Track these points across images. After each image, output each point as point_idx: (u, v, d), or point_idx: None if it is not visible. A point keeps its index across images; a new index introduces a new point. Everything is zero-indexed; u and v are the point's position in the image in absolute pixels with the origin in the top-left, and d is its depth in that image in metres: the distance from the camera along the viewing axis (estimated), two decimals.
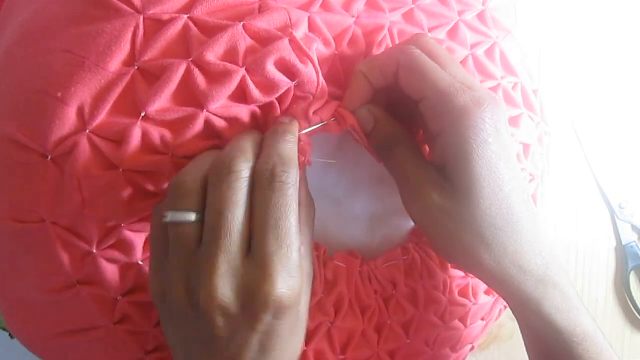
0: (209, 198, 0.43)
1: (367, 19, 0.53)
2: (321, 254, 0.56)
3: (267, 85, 0.47)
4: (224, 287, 0.42)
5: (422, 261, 0.59)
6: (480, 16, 0.60)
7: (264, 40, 0.47)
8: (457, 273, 0.61)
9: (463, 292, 0.63)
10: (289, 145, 0.46)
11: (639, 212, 0.99)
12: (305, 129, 0.49)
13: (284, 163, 0.44)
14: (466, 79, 0.49)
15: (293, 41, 0.47)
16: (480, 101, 0.47)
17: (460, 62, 0.57)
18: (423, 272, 0.60)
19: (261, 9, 0.47)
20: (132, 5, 0.45)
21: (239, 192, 0.43)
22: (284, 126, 0.48)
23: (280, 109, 0.49)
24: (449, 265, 0.60)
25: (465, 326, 0.65)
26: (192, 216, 0.43)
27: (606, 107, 0.98)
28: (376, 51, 0.53)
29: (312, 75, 0.48)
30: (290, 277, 0.43)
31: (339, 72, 0.52)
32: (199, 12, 0.46)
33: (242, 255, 0.42)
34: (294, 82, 0.48)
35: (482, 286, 0.64)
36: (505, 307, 0.71)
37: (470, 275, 0.62)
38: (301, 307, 0.46)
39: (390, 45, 0.54)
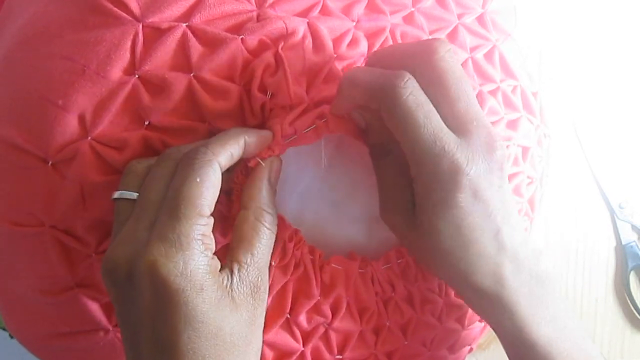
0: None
1: (367, 22, 0.53)
2: (316, 257, 0.57)
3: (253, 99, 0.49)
4: (116, 253, 0.42)
5: (417, 264, 0.60)
6: (480, 19, 0.60)
7: (257, 53, 0.48)
8: None
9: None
10: (222, 141, 0.46)
11: (639, 212, 0.99)
12: (281, 139, 0.50)
13: (207, 145, 0.45)
14: (463, 117, 0.47)
15: (277, 55, 0.48)
16: (459, 167, 0.45)
17: (461, 64, 0.57)
18: (418, 275, 0.60)
19: (259, 18, 0.48)
20: (131, 13, 0.46)
21: (163, 169, 0.45)
22: (232, 131, 0.48)
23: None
24: None
25: (463, 327, 0.65)
26: (133, 195, 0.45)
27: (606, 107, 0.98)
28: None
29: (285, 96, 0.49)
30: (174, 247, 0.41)
31: (335, 74, 0.52)
32: (198, 20, 0.47)
33: (148, 226, 0.43)
34: (268, 96, 0.49)
35: None
36: None
37: None
38: (199, 288, 0.43)
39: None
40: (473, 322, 0.66)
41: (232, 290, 0.44)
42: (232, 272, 0.45)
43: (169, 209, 0.42)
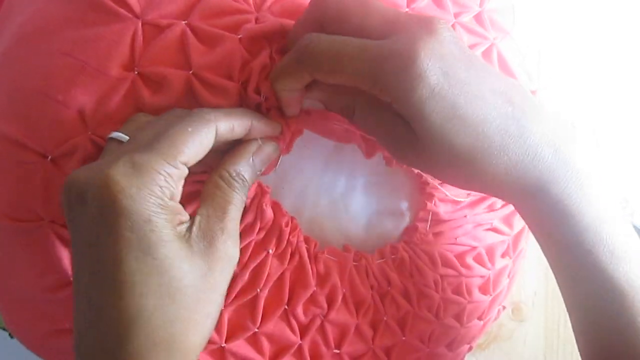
0: None
1: None
2: (311, 247, 0.57)
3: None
4: (77, 175, 0.42)
5: (411, 260, 0.60)
6: (478, 18, 0.60)
7: (255, 52, 0.49)
8: (448, 272, 0.62)
9: (457, 290, 0.63)
10: (228, 112, 0.47)
11: (639, 212, 0.98)
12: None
13: (212, 109, 0.46)
14: (385, 22, 0.44)
15: (271, 56, 0.49)
16: (408, 57, 0.42)
17: None
18: (413, 271, 0.61)
19: (258, 21, 0.49)
20: (131, 10, 0.46)
21: (161, 120, 0.45)
22: (242, 109, 0.49)
23: None
24: (440, 264, 0.61)
25: (461, 325, 0.65)
26: (125, 138, 0.45)
27: (606, 107, 0.98)
28: None
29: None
30: (136, 171, 0.40)
31: None
32: (197, 18, 0.47)
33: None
34: (262, 98, 0.49)
35: (477, 284, 0.65)
36: (504, 307, 0.71)
37: (463, 274, 0.62)
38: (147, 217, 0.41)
39: None
40: (472, 319, 0.66)
41: (190, 239, 0.43)
42: (192, 224, 0.44)
43: (148, 143, 0.42)
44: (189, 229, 0.43)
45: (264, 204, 0.54)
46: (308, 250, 0.56)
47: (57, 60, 0.46)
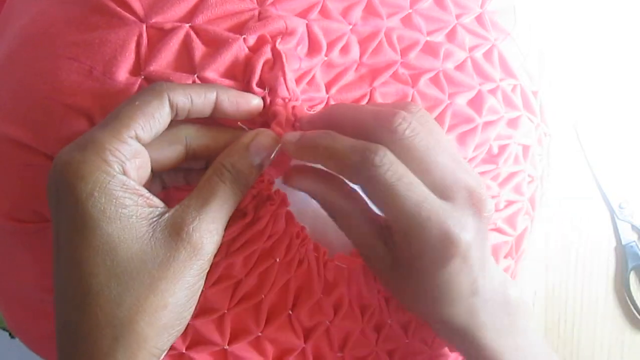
0: None
1: (363, 26, 0.54)
2: (321, 255, 0.57)
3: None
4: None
5: None
6: (479, 19, 0.61)
7: (258, 49, 0.49)
8: None
9: None
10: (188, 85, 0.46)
11: (639, 212, 0.99)
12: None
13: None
14: (441, 184, 0.47)
15: (274, 49, 0.49)
16: (451, 235, 0.46)
17: (459, 65, 0.58)
18: None
19: (260, 16, 0.49)
20: (135, 14, 0.47)
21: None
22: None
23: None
24: None
25: None
26: None
27: (607, 107, 0.98)
28: (369, 59, 0.54)
29: (282, 90, 0.49)
30: (80, 147, 0.41)
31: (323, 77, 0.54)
32: (200, 20, 0.47)
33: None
34: (265, 91, 0.49)
35: None
36: None
37: None
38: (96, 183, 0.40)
39: (389, 51, 0.55)
40: None
41: (155, 223, 0.42)
42: (167, 211, 0.42)
43: (102, 122, 0.42)
44: (161, 214, 0.42)
45: (279, 214, 0.53)
46: (317, 259, 0.56)
47: (63, 64, 0.46)
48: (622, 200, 0.98)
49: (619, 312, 1.01)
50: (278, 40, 0.48)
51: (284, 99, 0.49)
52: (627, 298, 1.00)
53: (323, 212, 0.58)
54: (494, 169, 0.61)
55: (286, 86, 0.48)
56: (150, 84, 0.44)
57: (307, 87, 0.53)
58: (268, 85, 0.48)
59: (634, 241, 0.99)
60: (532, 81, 0.64)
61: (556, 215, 0.96)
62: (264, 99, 0.49)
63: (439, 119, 0.57)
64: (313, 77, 0.53)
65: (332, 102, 0.54)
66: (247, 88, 0.48)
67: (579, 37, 0.94)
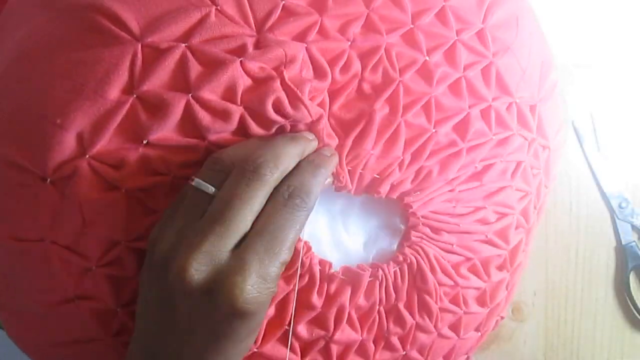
0: (227, 182, 0.45)
1: (362, 42, 0.53)
2: (325, 268, 0.57)
3: (265, 123, 0.49)
4: (198, 264, 0.43)
5: (417, 264, 0.60)
6: (480, 35, 0.60)
7: (259, 80, 0.48)
8: (445, 280, 0.62)
9: (454, 300, 0.64)
10: (318, 179, 0.48)
11: (639, 212, 0.98)
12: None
13: (306, 193, 0.47)
14: None
15: (284, 83, 0.48)
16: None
17: (452, 84, 0.58)
18: (417, 276, 0.60)
19: (258, 44, 0.48)
20: (130, 33, 0.46)
21: (252, 192, 0.45)
22: (322, 159, 0.50)
23: None
24: (438, 269, 0.61)
25: (459, 336, 0.66)
26: (210, 189, 0.46)
27: (607, 107, 0.98)
28: (370, 75, 0.54)
29: (305, 117, 0.50)
30: (264, 282, 0.44)
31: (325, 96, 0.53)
32: (197, 41, 0.47)
33: (229, 247, 0.44)
34: (288, 120, 0.49)
35: (473, 295, 0.65)
36: (502, 317, 0.72)
37: (460, 284, 0.63)
38: (259, 317, 0.47)
39: (389, 70, 0.54)
40: (468, 331, 0.67)
41: None
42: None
43: (267, 244, 0.45)
44: None
45: None
46: (322, 272, 0.56)
47: (56, 82, 0.46)
48: (622, 200, 0.98)
49: (619, 312, 1.01)
50: (286, 75, 0.48)
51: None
52: (627, 298, 1.00)
53: (318, 231, 0.59)
54: (478, 185, 0.61)
55: (309, 112, 0.50)
56: (300, 193, 0.47)
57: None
58: (287, 115, 0.49)
59: (634, 241, 0.99)
60: (531, 95, 0.64)
61: (556, 215, 0.96)
62: (283, 127, 0.50)
63: (421, 149, 0.57)
64: (323, 98, 0.53)
65: (330, 120, 0.54)
66: (263, 115, 0.48)
67: (580, 39, 0.95)
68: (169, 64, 0.46)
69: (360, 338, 0.59)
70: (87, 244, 0.49)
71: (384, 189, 0.58)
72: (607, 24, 0.97)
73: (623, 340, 1.01)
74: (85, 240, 0.48)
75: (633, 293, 1.00)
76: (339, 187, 0.57)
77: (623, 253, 1.00)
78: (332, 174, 0.54)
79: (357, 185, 0.57)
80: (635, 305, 1.00)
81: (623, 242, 0.99)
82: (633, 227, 0.99)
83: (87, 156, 0.46)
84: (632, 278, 1.00)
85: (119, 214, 0.48)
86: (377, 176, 0.57)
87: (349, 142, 0.55)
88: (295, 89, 0.48)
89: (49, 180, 0.47)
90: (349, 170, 0.56)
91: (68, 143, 0.46)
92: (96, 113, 0.46)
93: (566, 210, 0.98)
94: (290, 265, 0.54)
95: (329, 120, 0.54)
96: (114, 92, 0.46)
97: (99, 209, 0.47)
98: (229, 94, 0.47)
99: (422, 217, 0.60)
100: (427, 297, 0.61)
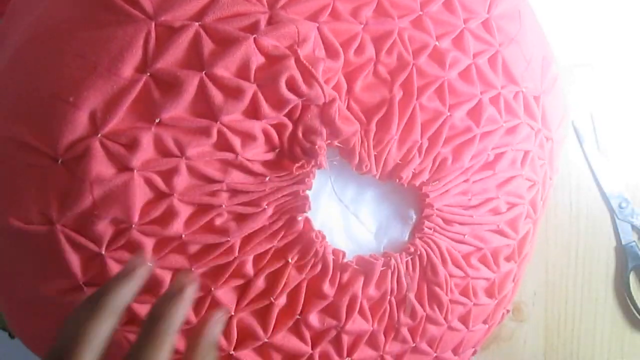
0: None
1: (375, 25, 0.53)
2: (339, 258, 0.56)
3: (277, 102, 0.49)
4: None
5: (427, 256, 0.60)
6: (485, 24, 0.61)
7: (272, 58, 0.48)
8: (456, 272, 0.62)
9: (464, 292, 0.63)
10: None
11: (639, 212, 0.99)
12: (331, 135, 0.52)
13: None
14: None
15: (298, 61, 0.48)
16: None
17: (463, 71, 0.58)
18: (427, 268, 0.60)
19: (271, 20, 0.48)
20: (143, 11, 0.46)
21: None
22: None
23: (291, 122, 0.51)
24: (449, 261, 0.61)
25: (468, 328, 0.65)
26: None
27: (607, 107, 0.98)
28: (385, 58, 0.54)
29: (319, 97, 0.49)
30: None
31: (341, 78, 0.53)
32: (210, 19, 0.47)
33: None
34: (302, 99, 0.49)
35: (482, 286, 0.65)
36: (508, 311, 0.72)
37: (470, 275, 0.62)
38: None
39: (404, 53, 0.55)
40: (477, 323, 0.66)
41: None
42: None
43: None
44: None
45: (297, 217, 0.53)
46: (335, 261, 0.56)
47: (69, 61, 0.46)
48: (622, 200, 0.98)
49: (619, 312, 1.01)
50: (300, 53, 0.48)
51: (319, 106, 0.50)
52: (627, 298, 1.00)
53: (330, 221, 0.59)
54: (491, 175, 0.61)
55: (323, 92, 0.49)
56: None
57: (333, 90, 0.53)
58: (301, 94, 0.49)
59: (634, 241, 0.99)
60: (535, 86, 0.64)
61: (556, 215, 0.96)
62: (296, 105, 0.50)
63: (438, 133, 0.57)
64: (338, 80, 0.53)
65: (352, 103, 0.54)
66: (276, 93, 0.48)
67: (581, 37, 0.96)
68: (183, 42, 0.46)
69: (372, 329, 0.59)
70: (97, 227, 0.47)
71: (406, 174, 0.58)
72: (607, 23, 0.98)
73: (623, 340, 1.01)
74: (95, 223, 0.47)
75: (633, 293, 1.00)
76: (364, 172, 0.56)
77: (623, 253, 1.00)
78: (359, 158, 0.54)
79: (382, 171, 0.57)
80: (635, 305, 1.00)
81: (623, 242, 0.99)
82: (633, 227, 0.99)
83: (100, 135, 0.45)
84: (632, 278, 1.00)
85: (131, 196, 0.47)
86: (400, 162, 0.57)
87: (373, 126, 0.55)
88: (310, 67, 0.48)
89: (60, 160, 0.46)
90: (375, 156, 0.56)
91: (80, 121, 0.45)
92: (109, 91, 0.45)
93: (566, 210, 0.98)
94: (304, 254, 0.54)
95: (351, 103, 0.54)
96: (127, 70, 0.45)
97: (110, 190, 0.46)
98: (243, 71, 0.47)
99: (437, 209, 0.60)
100: (438, 289, 0.61)
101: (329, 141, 0.52)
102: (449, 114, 0.57)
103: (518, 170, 0.63)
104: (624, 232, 0.99)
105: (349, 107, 0.54)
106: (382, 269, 0.57)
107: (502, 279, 0.67)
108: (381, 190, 0.61)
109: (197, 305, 0.52)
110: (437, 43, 0.57)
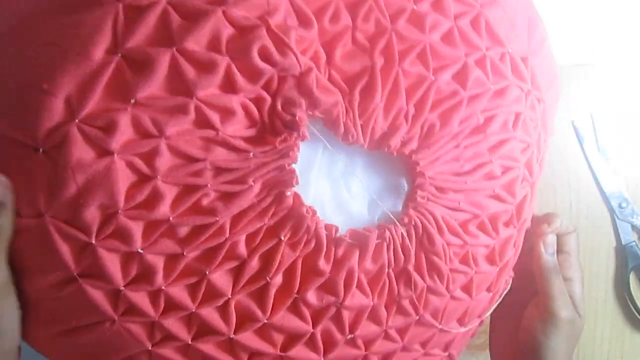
0: None
1: None
2: (332, 232, 0.56)
3: (252, 73, 0.48)
4: None
5: (423, 226, 0.59)
6: None
7: (243, 29, 0.48)
8: (454, 240, 0.61)
9: (464, 260, 0.62)
10: None
11: (639, 212, 0.99)
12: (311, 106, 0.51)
13: None
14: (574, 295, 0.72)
15: (270, 30, 0.48)
16: (573, 322, 0.71)
17: (445, 33, 0.58)
18: (423, 238, 0.59)
19: None
20: None
21: None
22: None
23: (269, 95, 0.50)
24: (445, 230, 0.60)
25: (471, 297, 0.64)
26: None
27: (607, 107, 0.99)
28: (363, 25, 0.54)
29: (294, 66, 0.49)
30: None
31: (319, 49, 0.53)
32: None
33: None
34: (276, 69, 0.49)
35: (482, 253, 0.64)
36: (511, 277, 0.71)
37: (468, 242, 0.62)
38: None
39: (381, 18, 0.54)
40: (480, 291, 0.66)
41: None
42: None
43: None
44: None
45: (286, 192, 0.53)
46: (328, 237, 0.55)
47: (41, 50, 0.46)
48: (622, 200, 0.99)
49: (619, 312, 1.02)
50: (271, 22, 0.48)
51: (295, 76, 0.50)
52: (627, 298, 1.01)
53: (323, 194, 0.58)
54: (482, 138, 0.61)
55: (297, 60, 0.49)
56: None
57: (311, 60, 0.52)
58: (275, 63, 0.49)
59: (634, 241, 1.00)
60: (522, 46, 0.64)
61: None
62: (272, 76, 0.49)
63: (424, 98, 0.57)
64: (316, 50, 0.52)
65: (333, 72, 0.53)
66: (249, 64, 0.48)
67: (579, 34, 0.98)
68: (151, 19, 0.46)
69: (372, 303, 0.58)
70: (84, 215, 0.47)
71: (394, 142, 0.57)
72: (608, 23, 0.99)
73: (623, 340, 1.02)
74: (82, 211, 0.47)
75: (633, 293, 1.01)
76: (350, 142, 0.56)
77: (623, 253, 1.01)
78: (344, 128, 0.54)
79: (370, 140, 0.57)
80: (635, 305, 1.01)
81: (623, 242, 1.00)
82: (633, 227, 1.00)
83: (77, 120, 0.45)
84: (632, 278, 1.01)
85: (114, 180, 0.47)
86: (387, 130, 0.57)
87: (357, 95, 0.54)
88: (282, 36, 0.48)
89: (41, 150, 0.46)
90: (361, 125, 0.55)
91: (57, 108, 0.45)
92: (82, 75, 0.45)
93: (566, 210, 0.98)
94: (296, 231, 0.53)
95: (332, 73, 0.53)
96: (98, 52, 0.45)
97: (92, 176, 0.46)
98: (214, 44, 0.47)
99: (429, 177, 0.59)
100: (436, 259, 0.60)
101: (309, 112, 0.52)
102: (433, 78, 0.57)
103: (510, 132, 0.63)
104: (624, 232, 1.00)
105: (330, 77, 0.53)
106: (377, 241, 0.57)
107: (502, 245, 0.66)
108: (371, 160, 0.60)
109: (193, 290, 0.52)
110: (415, 6, 0.56)
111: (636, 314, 1.00)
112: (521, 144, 0.65)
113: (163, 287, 0.51)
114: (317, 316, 0.57)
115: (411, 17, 0.56)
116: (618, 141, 0.99)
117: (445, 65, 0.58)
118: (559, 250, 0.74)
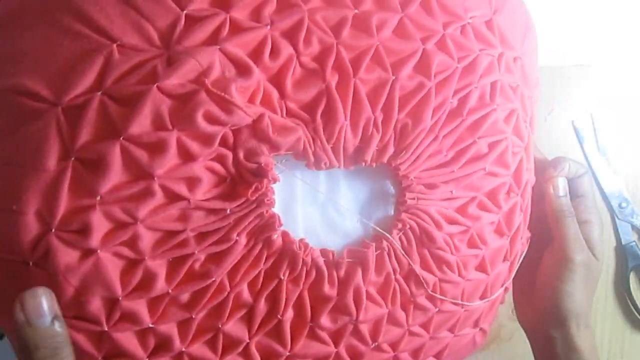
0: None
1: (282, 20, 0.51)
2: (330, 257, 0.56)
3: (204, 139, 0.48)
4: None
5: (420, 227, 0.58)
6: None
7: (182, 97, 0.47)
8: (454, 229, 0.60)
9: (471, 243, 0.62)
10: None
11: (639, 212, 0.99)
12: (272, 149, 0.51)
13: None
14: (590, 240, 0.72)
15: (209, 92, 0.47)
16: (589, 265, 0.71)
17: (395, 27, 0.56)
18: (423, 237, 0.59)
19: (170, 60, 0.47)
20: (46, 101, 0.46)
21: None
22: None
23: (229, 150, 0.50)
24: (443, 223, 0.59)
25: (487, 274, 0.64)
26: None
27: (607, 107, 0.98)
28: (305, 48, 0.52)
29: (244, 119, 0.48)
30: None
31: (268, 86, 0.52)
32: (109, 83, 0.46)
33: None
34: (227, 127, 0.48)
35: (489, 230, 0.64)
36: (528, 238, 0.71)
37: (470, 225, 0.62)
38: None
39: (323, 36, 0.53)
40: (496, 264, 0.65)
41: None
42: None
43: None
44: None
45: (273, 235, 0.53)
46: (327, 262, 0.55)
47: (2, 171, 0.47)
48: (622, 200, 0.99)
49: (619, 312, 1.02)
50: (208, 83, 0.47)
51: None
52: (627, 298, 1.01)
53: (314, 221, 0.58)
54: (461, 121, 0.59)
55: (245, 113, 0.48)
56: None
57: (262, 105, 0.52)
58: (223, 122, 0.48)
59: (634, 241, 1.00)
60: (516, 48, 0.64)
61: None
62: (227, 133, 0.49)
63: (389, 100, 0.55)
64: (265, 90, 0.51)
65: (290, 105, 0.52)
66: (198, 131, 0.48)
67: (579, 33, 0.96)
68: (91, 116, 0.46)
69: (387, 310, 0.59)
70: (90, 310, 0.49)
71: (369, 155, 0.56)
72: (607, 23, 0.97)
73: (623, 340, 1.02)
74: (86, 307, 0.49)
75: (633, 293, 1.01)
76: (325, 168, 0.55)
77: (623, 253, 1.01)
78: (314, 158, 0.54)
79: (344, 159, 0.56)
80: (635, 305, 1.01)
81: (623, 242, 1.00)
82: (633, 227, 1.00)
83: (53, 230, 0.46)
84: (632, 278, 1.01)
85: (105, 273, 0.48)
86: (360, 144, 0.56)
87: (319, 120, 0.53)
88: (223, 94, 0.47)
89: (30, 263, 0.47)
90: (332, 147, 0.54)
91: (31, 224, 0.46)
92: (43, 187, 0.46)
93: None
94: (293, 267, 0.54)
95: (288, 105, 0.52)
96: (51, 162, 0.46)
97: (83, 275, 0.48)
98: (158, 122, 0.46)
99: (415, 177, 0.58)
100: (441, 252, 0.60)
101: (275, 154, 0.52)
102: (394, 77, 0.55)
103: (489, 105, 0.60)
104: (624, 232, 1.00)
105: (288, 111, 0.52)
106: (376, 253, 0.57)
107: (507, 215, 0.65)
108: (352, 173, 0.60)
109: (212, 344, 0.54)
110: (356, 11, 0.54)
111: (636, 314, 1.01)
112: (504, 112, 0.62)
113: (184, 349, 0.53)
114: (336, 336, 0.58)
115: (355, 23, 0.54)
116: (618, 141, 0.99)
117: (403, 60, 0.56)
118: (573, 194, 0.73)
